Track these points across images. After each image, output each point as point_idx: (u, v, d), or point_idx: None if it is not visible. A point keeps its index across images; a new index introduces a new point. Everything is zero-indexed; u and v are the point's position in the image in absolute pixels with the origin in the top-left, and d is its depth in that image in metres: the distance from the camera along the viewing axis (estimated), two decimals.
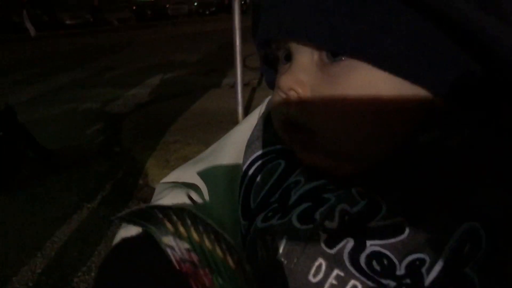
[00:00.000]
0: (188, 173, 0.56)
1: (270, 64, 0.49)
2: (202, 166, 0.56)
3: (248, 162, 0.48)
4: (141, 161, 2.79)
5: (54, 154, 3.13)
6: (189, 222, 0.33)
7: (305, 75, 0.39)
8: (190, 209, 0.33)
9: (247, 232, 0.44)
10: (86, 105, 4.69)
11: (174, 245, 0.33)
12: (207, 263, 0.32)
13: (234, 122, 3.04)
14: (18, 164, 2.94)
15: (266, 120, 0.51)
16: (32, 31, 12.57)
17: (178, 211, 0.33)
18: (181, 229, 0.33)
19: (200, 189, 0.54)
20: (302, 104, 0.39)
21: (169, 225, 0.33)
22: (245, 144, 0.52)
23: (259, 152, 0.48)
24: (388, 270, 0.34)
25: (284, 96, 0.41)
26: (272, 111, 0.45)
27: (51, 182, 2.75)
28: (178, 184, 0.55)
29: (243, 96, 3.18)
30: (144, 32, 15.31)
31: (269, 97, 0.53)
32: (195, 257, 0.33)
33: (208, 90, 4.73)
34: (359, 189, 0.38)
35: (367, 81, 0.37)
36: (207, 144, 0.60)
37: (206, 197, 0.53)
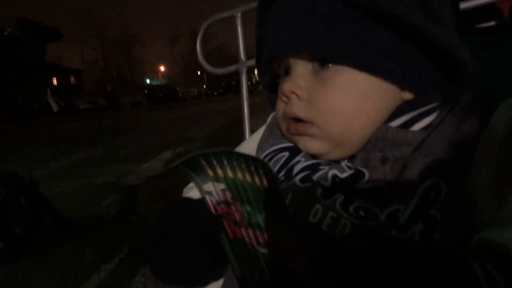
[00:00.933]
0: None
1: (271, 89, 0.65)
2: None
3: (261, 157, 0.59)
4: None
5: (72, 223, 3.24)
6: (225, 162, 0.36)
7: (302, 81, 0.51)
8: (227, 149, 0.36)
9: None
10: (101, 179, 4.87)
11: (212, 190, 0.39)
12: (239, 196, 0.37)
13: None
14: (37, 233, 3.04)
15: (272, 128, 0.64)
16: (54, 107, 13.27)
17: (217, 154, 0.36)
18: (219, 171, 0.37)
19: None
20: (302, 103, 0.51)
21: (209, 171, 0.38)
22: (255, 149, 0.64)
23: (268, 151, 0.59)
24: (372, 216, 0.44)
25: (286, 99, 0.53)
26: (278, 114, 0.57)
27: (69, 248, 2.84)
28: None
29: None
30: (156, 114, 15.90)
31: (273, 113, 0.67)
32: (228, 195, 0.38)
33: None
34: (346, 163, 0.50)
35: (350, 80, 0.48)
36: None
37: None
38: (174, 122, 11.74)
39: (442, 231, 0.41)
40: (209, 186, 0.40)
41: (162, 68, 73.90)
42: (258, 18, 0.59)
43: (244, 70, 2.66)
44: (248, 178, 0.36)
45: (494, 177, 0.40)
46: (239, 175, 0.36)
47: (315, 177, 0.50)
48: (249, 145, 0.67)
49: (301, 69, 0.52)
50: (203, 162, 0.38)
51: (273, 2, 0.55)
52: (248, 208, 0.37)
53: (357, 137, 0.50)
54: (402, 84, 0.50)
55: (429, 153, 0.45)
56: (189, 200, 0.47)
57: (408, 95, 0.50)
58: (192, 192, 0.62)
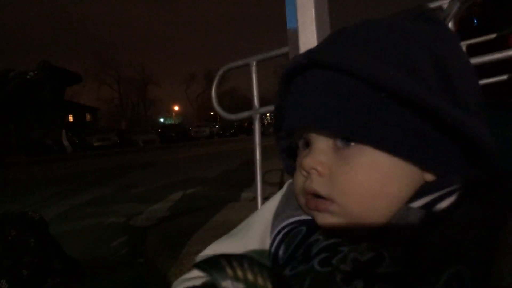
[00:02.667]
0: (221, 248, 0.65)
1: (288, 154, 0.64)
2: (232, 240, 0.65)
3: (277, 230, 0.58)
4: (164, 271, 2.84)
5: (79, 265, 3.21)
6: (246, 265, 0.40)
7: (323, 157, 0.51)
8: (249, 255, 0.41)
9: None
10: (111, 219, 4.85)
11: (231, 287, 0.41)
12: None
13: None
14: (44, 275, 3.01)
15: (288, 197, 0.62)
16: (68, 149, 13.52)
17: (238, 257, 0.40)
18: (239, 272, 0.40)
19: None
20: (322, 179, 0.51)
21: (229, 270, 0.41)
22: (270, 219, 0.62)
23: (285, 223, 0.58)
24: None
25: (306, 174, 0.53)
26: (296, 187, 0.57)
27: None
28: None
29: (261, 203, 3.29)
30: (167, 152, 16.03)
31: (290, 180, 0.65)
32: None
33: (228, 204, 4.88)
34: (367, 244, 0.48)
35: (372, 160, 0.49)
36: None
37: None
38: (186, 162, 11.80)
39: None
40: (227, 284, 0.41)
41: (176, 108, 75.20)
42: (280, 88, 0.59)
43: (257, 117, 2.70)
44: (269, 286, 0.41)
45: None
46: (260, 281, 0.41)
47: (335, 260, 0.48)
48: (263, 214, 0.66)
49: (323, 145, 0.52)
50: (223, 262, 0.42)
51: (297, 75, 0.56)
52: None
53: (378, 217, 0.49)
54: (424, 166, 0.50)
55: (452, 238, 0.43)
56: None
57: (429, 176, 0.50)
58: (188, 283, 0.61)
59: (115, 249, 3.67)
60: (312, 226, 0.54)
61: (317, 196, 0.52)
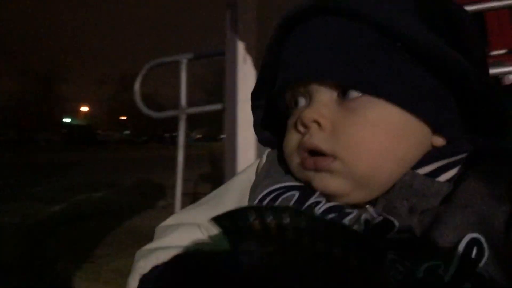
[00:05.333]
0: (191, 214, 0.57)
1: (265, 125, 0.60)
2: (206, 208, 0.58)
3: (261, 196, 0.51)
4: (67, 274, 2.60)
5: None
6: (288, 220, 0.30)
7: (326, 110, 0.47)
8: (293, 207, 0.32)
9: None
10: (5, 219, 4.39)
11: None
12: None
13: None
14: None
15: (271, 164, 0.57)
16: None
17: (274, 210, 0.31)
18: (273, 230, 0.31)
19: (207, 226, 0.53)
20: (324, 134, 0.46)
21: (257, 225, 0.31)
22: (246, 190, 0.57)
23: (271, 188, 0.52)
24: (408, 273, 0.39)
25: (303, 130, 0.48)
26: (288, 147, 0.51)
27: None
28: (181, 224, 0.55)
29: None
30: (72, 154, 15.05)
31: (268, 150, 0.60)
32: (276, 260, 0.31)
33: (137, 210, 4.66)
34: (374, 209, 0.45)
35: (381, 114, 0.45)
36: None
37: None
38: (92, 165, 11.16)
39: None
40: (249, 246, 0.32)
41: (84, 109, 71.11)
42: (273, 43, 0.54)
43: (184, 117, 2.62)
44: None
45: None
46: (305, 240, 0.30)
47: (347, 221, 0.44)
48: (238, 183, 0.60)
49: (325, 96, 0.48)
50: (253, 217, 0.31)
51: (296, 26, 0.51)
52: None
53: (384, 179, 0.46)
54: (436, 127, 0.47)
55: (465, 206, 0.42)
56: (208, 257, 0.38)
57: (439, 141, 0.48)
58: (171, 236, 0.53)
59: (7, 252, 3.30)
60: (306, 191, 0.49)
61: (316, 154, 0.47)
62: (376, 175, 0.46)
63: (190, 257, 0.40)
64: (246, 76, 1.41)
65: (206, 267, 0.34)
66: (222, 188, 0.62)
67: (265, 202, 0.50)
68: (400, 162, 0.46)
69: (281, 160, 0.55)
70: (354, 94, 0.47)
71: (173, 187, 2.34)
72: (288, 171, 0.53)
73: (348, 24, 0.47)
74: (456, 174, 0.46)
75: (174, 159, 2.41)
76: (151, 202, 5.33)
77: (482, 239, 0.40)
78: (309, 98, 0.50)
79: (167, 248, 0.49)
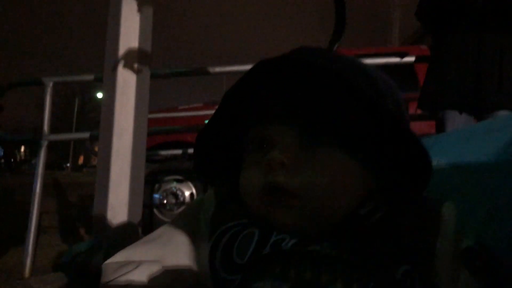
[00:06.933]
0: (139, 251, 0.58)
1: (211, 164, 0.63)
2: (155, 245, 0.59)
3: (219, 231, 0.55)
4: None
5: None
6: None
7: (290, 151, 0.52)
8: None
9: (241, 283, 0.50)
10: None
11: None
12: None
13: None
14: None
15: (223, 200, 0.61)
16: None
17: None
18: None
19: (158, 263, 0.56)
20: (286, 172, 0.52)
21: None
22: (196, 227, 0.59)
23: (228, 225, 0.56)
24: None
25: (268, 169, 0.52)
26: (250, 185, 0.56)
27: None
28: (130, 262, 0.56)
29: (33, 249, 2.87)
30: None
31: (208, 192, 0.64)
32: None
33: None
34: (328, 243, 0.51)
35: (335, 158, 0.52)
36: None
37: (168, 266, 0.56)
38: None
39: None
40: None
41: None
42: (240, 85, 0.58)
43: (46, 143, 2.42)
44: None
45: (451, 266, 0.49)
46: None
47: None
48: (186, 221, 0.62)
49: (289, 140, 0.54)
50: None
51: (262, 74, 0.56)
52: None
53: (333, 217, 0.52)
54: (377, 171, 0.55)
55: (396, 241, 0.50)
56: None
57: (373, 185, 0.56)
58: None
59: None
60: (263, 227, 0.54)
61: (278, 191, 0.52)
62: (327, 212, 0.52)
63: None
64: (123, 107, 1.37)
65: None
66: (169, 226, 0.62)
67: (224, 239, 0.54)
68: (348, 202, 0.53)
69: (234, 197, 0.59)
70: (312, 137, 0.53)
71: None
72: (241, 208, 0.57)
73: (307, 78, 0.54)
74: (388, 213, 0.54)
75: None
76: None
77: (415, 271, 0.48)
78: (273, 139, 0.55)
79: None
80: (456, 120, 1.92)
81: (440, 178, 0.69)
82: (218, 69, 2.35)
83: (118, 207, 1.42)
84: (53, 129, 2.53)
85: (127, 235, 1.42)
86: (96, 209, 1.44)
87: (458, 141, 0.78)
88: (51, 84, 2.24)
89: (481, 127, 0.84)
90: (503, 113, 1.81)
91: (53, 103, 2.46)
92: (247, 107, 0.59)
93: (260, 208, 0.55)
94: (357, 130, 0.55)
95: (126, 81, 1.41)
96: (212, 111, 0.62)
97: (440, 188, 0.68)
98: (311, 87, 0.55)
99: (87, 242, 1.62)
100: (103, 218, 1.40)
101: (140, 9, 1.49)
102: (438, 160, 0.73)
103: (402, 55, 2.81)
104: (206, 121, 0.62)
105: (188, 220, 0.62)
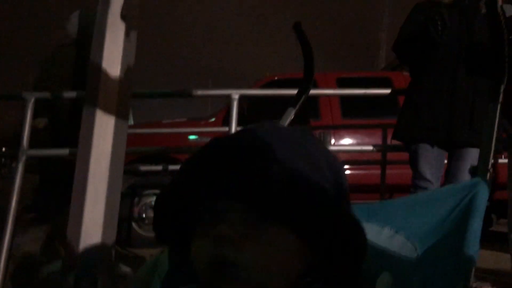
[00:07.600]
0: None
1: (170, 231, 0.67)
2: None
3: None
4: None
5: None
6: None
7: (237, 227, 0.57)
8: None
9: None
10: None
11: None
12: None
13: None
14: None
15: (176, 266, 0.66)
16: None
17: None
18: None
19: None
20: (234, 247, 0.56)
21: None
22: None
23: None
24: None
25: (217, 241, 0.57)
26: (200, 255, 0.60)
27: None
28: None
29: (5, 267, 2.80)
30: None
31: (164, 252, 0.69)
32: None
33: None
34: None
35: (279, 235, 0.57)
36: None
37: None
38: None
39: None
40: None
41: None
42: (198, 157, 0.63)
43: (23, 159, 2.40)
44: None
45: None
46: None
47: None
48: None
49: (237, 215, 0.58)
50: None
51: (219, 148, 0.62)
52: None
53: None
54: (317, 248, 0.60)
55: None
56: None
57: (313, 260, 0.61)
58: None
59: None
60: None
61: (225, 263, 0.56)
62: (271, 285, 0.57)
63: None
64: (103, 129, 1.39)
65: None
66: None
67: None
68: (290, 277, 0.58)
69: (187, 261, 0.63)
70: (258, 214, 0.57)
71: None
72: (192, 274, 0.61)
73: (253, 160, 0.59)
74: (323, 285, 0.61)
75: None
76: None
77: None
78: (222, 213, 0.59)
79: None
80: (429, 154, 1.99)
81: (384, 245, 0.75)
82: (200, 92, 2.41)
83: (92, 228, 1.42)
84: (36, 141, 2.51)
85: (99, 257, 1.42)
86: (70, 230, 1.43)
87: (403, 209, 0.84)
88: (32, 100, 2.24)
89: (424, 197, 0.95)
90: (472, 150, 1.88)
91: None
92: (201, 179, 0.63)
93: (207, 277, 0.59)
94: (299, 210, 0.58)
95: (107, 103, 1.42)
96: (195, 128, 0.66)
97: (380, 258, 0.73)
98: (256, 168, 0.59)
99: (60, 262, 1.61)
100: (76, 239, 1.39)
101: (127, 33, 1.51)
102: (386, 227, 0.79)
103: (384, 82, 2.89)
104: (190, 137, 0.66)
105: (142, 278, 0.68)
